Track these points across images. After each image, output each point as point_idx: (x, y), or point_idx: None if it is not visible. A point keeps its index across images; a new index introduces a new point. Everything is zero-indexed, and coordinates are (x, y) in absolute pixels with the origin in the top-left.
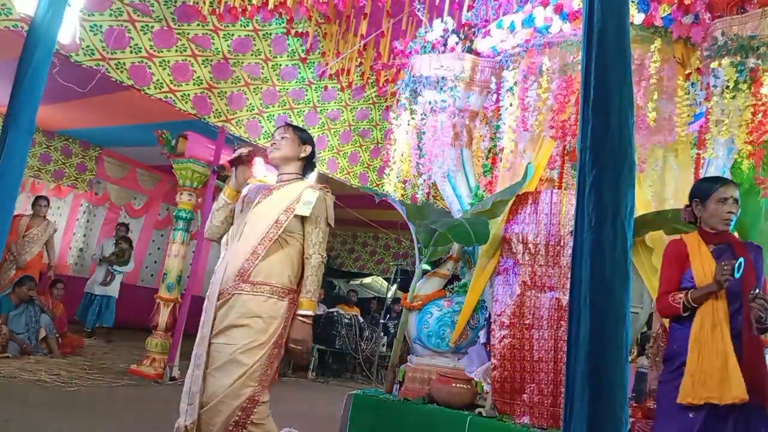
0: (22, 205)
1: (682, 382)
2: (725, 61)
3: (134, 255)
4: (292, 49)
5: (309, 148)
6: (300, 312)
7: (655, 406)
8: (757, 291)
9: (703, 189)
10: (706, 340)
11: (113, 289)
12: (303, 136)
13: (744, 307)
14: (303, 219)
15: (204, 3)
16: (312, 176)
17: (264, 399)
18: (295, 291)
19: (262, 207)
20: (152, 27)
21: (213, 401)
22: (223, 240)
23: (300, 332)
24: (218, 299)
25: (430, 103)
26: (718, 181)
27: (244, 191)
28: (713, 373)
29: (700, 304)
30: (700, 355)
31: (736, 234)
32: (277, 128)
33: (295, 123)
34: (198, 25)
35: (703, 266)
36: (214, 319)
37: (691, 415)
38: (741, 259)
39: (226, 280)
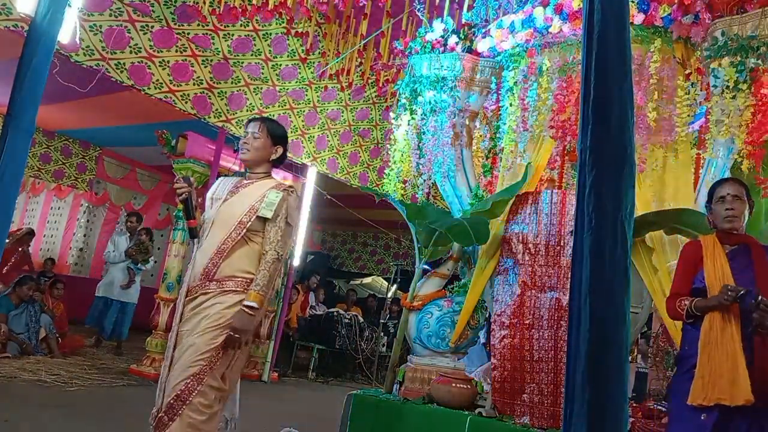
0: (22, 205)
1: (692, 384)
2: (725, 61)
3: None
4: (292, 49)
5: (281, 150)
6: (246, 302)
7: (655, 406)
8: (761, 298)
9: (709, 192)
10: (716, 341)
11: (133, 294)
12: (276, 135)
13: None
14: (264, 218)
15: (204, 3)
16: (311, 174)
17: (212, 382)
18: None
19: (229, 206)
20: (152, 27)
21: (167, 377)
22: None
23: (240, 321)
24: (186, 296)
25: (430, 103)
26: (718, 182)
27: (213, 187)
28: (723, 373)
29: (704, 314)
30: (711, 357)
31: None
32: (250, 120)
33: (294, 123)
34: (198, 25)
35: (714, 267)
36: (182, 314)
37: (702, 417)
38: (751, 291)
39: (193, 279)
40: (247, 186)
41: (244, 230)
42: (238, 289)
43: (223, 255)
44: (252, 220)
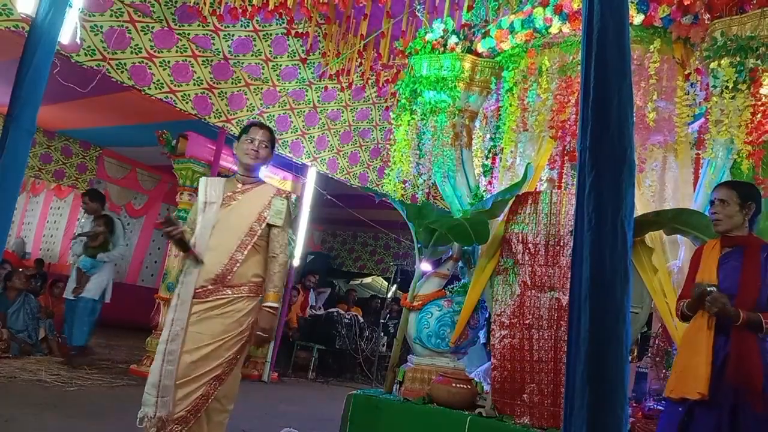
0: (22, 205)
1: (669, 378)
2: (725, 61)
3: (119, 246)
4: (293, 50)
5: (273, 153)
6: (267, 304)
7: (655, 406)
8: (708, 289)
9: None
10: (692, 339)
11: (90, 287)
12: (274, 142)
13: (735, 306)
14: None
15: (204, 3)
16: (311, 174)
17: (237, 373)
18: (263, 287)
19: (233, 212)
20: (153, 27)
21: (183, 380)
22: (192, 240)
23: (267, 321)
24: (194, 297)
25: (430, 103)
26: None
27: (202, 189)
28: (692, 370)
29: (695, 312)
30: (684, 354)
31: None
32: (257, 126)
33: (294, 123)
34: (198, 25)
35: (704, 269)
36: (189, 316)
37: (680, 408)
38: (710, 289)
39: (202, 282)
40: (247, 192)
41: (256, 237)
42: (251, 294)
43: (237, 262)
44: (263, 227)
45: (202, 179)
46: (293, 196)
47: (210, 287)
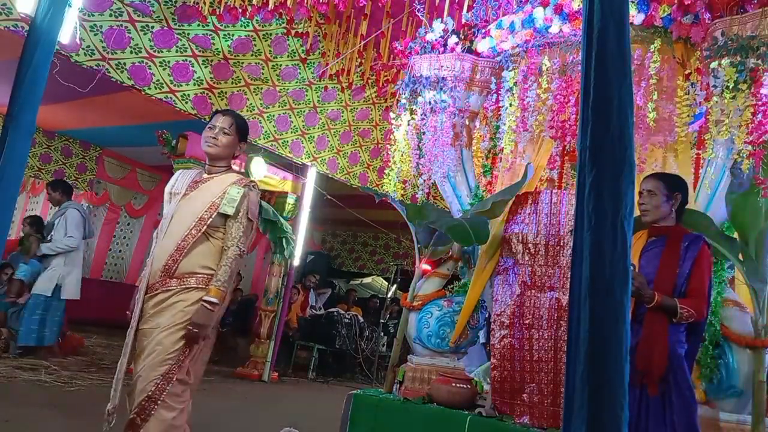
0: (22, 205)
1: None
2: (725, 61)
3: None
4: (293, 50)
5: (244, 146)
6: (206, 298)
7: None
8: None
9: None
10: None
11: (39, 286)
12: (243, 132)
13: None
14: (226, 215)
15: (204, 3)
16: (311, 174)
17: (180, 377)
18: None
19: (188, 201)
20: (152, 27)
21: (135, 378)
22: (154, 233)
23: (200, 317)
24: (146, 293)
25: (430, 103)
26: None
27: (172, 181)
28: None
29: None
30: None
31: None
32: (219, 113)
33: (294, 123)
34: (198, 25)
35: None
36: (142, 310)
37: None
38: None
39: (153, 275)
40: (207, 181)
41: (205, 226)
42: (200, 285)
43: (183, 251)
44: (213, 216)
45: (177, 171)
46: (256, 187)
47: (158, 279)
